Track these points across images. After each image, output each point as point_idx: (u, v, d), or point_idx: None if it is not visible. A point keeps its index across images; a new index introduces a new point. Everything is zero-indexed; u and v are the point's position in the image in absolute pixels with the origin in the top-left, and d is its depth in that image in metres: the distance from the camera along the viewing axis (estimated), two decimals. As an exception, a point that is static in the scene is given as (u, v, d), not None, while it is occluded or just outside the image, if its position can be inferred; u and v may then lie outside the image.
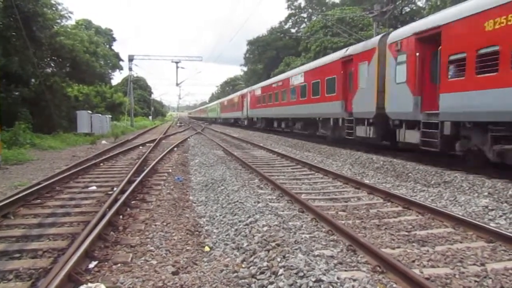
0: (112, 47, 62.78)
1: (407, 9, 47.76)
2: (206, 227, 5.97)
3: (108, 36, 62.33)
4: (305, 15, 63.36)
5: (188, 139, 24.49)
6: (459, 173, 9.10)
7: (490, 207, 6.38)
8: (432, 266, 4.21)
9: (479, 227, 5.25)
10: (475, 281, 3.84)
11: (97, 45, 38.20)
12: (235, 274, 3.97)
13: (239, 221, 5.73)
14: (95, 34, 44.98)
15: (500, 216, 6.01)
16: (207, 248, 5.02)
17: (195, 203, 7.66)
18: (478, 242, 4.97)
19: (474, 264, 4.23)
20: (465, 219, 5.58)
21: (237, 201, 6.90)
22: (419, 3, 46.17)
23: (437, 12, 12.05)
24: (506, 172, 8.71)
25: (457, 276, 3.93)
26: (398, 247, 4.81)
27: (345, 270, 4.06)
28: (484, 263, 4.24)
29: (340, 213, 6.57)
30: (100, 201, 7.36)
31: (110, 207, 6.35)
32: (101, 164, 12.54)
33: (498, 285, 3.74)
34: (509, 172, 8.63)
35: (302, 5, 62.83)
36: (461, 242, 4.98)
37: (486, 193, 7.49)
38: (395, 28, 17.13)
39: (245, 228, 5.32)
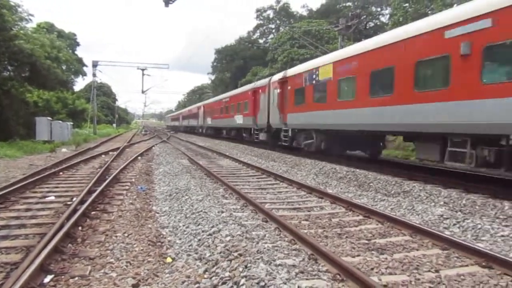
0: (76, 52, 61.14)
1: (371, 24, 49.42)
2: (168, 238, 5.88)
3: (71, 40, 60.69)
4: (273, 26, 64.06)
5: (153, 147, 24.10)
6: (418, 183, 9.45)
7: (445, 216, 6.66)
8: (390, 274, 4.34)
9: (434, 235, 5.47)
10: (430, 287, 3.99)
11: (59, 50, 37.05)
12: (197, 285, 3.94)
13: (202, 231, 5.68)
14: (57, 37, 43.63)
15: (454, 224, 6.29)
16: (169, 259, 4.95)
17: (158, 213, 7.53)
18: (433, 249, 5.17)
19: (429, 271, 4.39)
20: (421, 227, 5.81)
21: (201, 211, 6.84)
22: (383, 19, 47.88)
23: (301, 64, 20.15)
24: (460, 182, 9.21)
25: (413, 283, 4.07)
26: (358, 255, 4.93)
27: (306, 279, 4.10)
28: (439, 270, 4.42)
29: (303, 222, 6.65)
30: (58, 211, 7.10)
31: (68, 218, 6.14)
32: (61, 173, 12.10)
33: (450, 291, 3.91)
34: (463, 181, 9.14)
35: (271, 16, 63.55)
36: (417, 250, 5.16)
37: (442, 202, 7.80)
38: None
39: (208, 238, 5.29)
